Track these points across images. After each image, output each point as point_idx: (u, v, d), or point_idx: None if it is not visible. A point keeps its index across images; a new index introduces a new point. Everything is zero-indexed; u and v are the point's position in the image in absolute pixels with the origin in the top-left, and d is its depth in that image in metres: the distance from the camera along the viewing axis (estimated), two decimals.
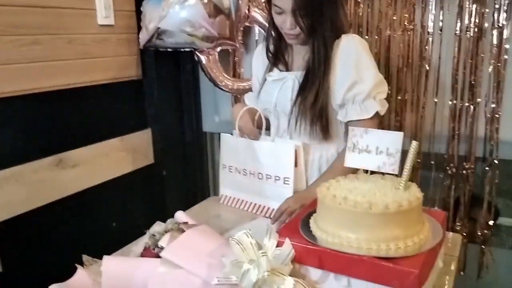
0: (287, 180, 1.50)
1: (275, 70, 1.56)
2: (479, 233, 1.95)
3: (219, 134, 2.73)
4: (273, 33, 1.53)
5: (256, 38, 2.19)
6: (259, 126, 1.62)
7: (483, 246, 1.97)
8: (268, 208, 1.55)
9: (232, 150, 1.62)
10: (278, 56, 1.56)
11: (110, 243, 1.32)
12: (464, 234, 1.96)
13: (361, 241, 0.95)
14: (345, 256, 0.94)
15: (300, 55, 1.51)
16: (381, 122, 1.59)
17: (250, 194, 1.59)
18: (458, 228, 1.96)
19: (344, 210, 0.97)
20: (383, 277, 0.91)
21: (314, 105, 1.42)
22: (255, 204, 1.59)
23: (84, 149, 1.87)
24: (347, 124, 1.44)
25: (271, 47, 1.56)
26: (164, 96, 2.28)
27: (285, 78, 1.51)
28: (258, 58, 1.65)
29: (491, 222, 1.93)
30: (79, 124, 1.87)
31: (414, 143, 1.04)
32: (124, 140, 2.06)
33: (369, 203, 0.95)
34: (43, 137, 1.73)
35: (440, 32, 1.81)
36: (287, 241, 0.97)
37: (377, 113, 1.41)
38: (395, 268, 0.90)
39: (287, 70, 1.55)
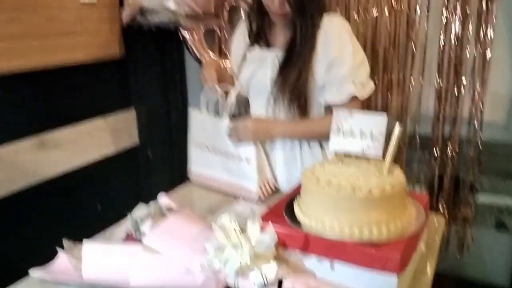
0: (249, 160, 1.48)
1: (256, 47, 1.54)
2: (461, 212, 1.98)
3: None
4: (255, 9, 1.49)
5: (243, 17, 2.15)
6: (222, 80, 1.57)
7: (464, 226, 2.00)
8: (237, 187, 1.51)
9: (200, 127, 1.57)
10: (260, 34, 1.53)
11: (95, 225, 1.30)
12: (446, 215, 1.99)
13: (344, 225, 0.95)
14: (328, 241, 0.94)
15: (282, 33, 1.48)
16: (367, 104, 1.58)
17: (219, 172, 1.55)
18: (441, 208, 1.98)
19: (327, 194, 0.96)
20: (366, 261, 0.91)
21: (295, 84, 1.39)
22: (225, 181, 1.55)
23: (66, 130, 1.84)
24: (327, 107, 1.42)
25: (253, 25, 1.53)
26: (149, 75, 2.24)
27: (265, 56, 1.49)
28: (239, 36, 1.62)
29: (472, 202, 1.96)
30: (61, 104, 1.83)
31: (397, 128, 1.03)
32: (108, 120, 2.02)
33: (353, 187, 0.95)
34: (24, 117, 1.69)
35: (427, 13, 1.79)
36: (270, 226, 0.97)
37: (356, 97, 1.38)
38: (377, 254, 0.90)
39: (268, 47, 1.52)
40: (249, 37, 1.55)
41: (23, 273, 1.04)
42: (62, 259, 1.09)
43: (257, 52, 1.52)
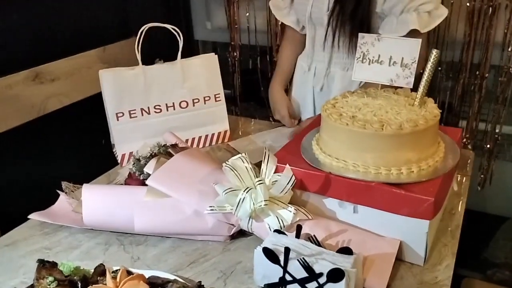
0: (218, 97, 1.34)
1: None
2: (486, 145, 1.87)
3: (212, 43, 2.56)
4: None
5: None
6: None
7: (489, 158, 1.90)
8: (207, 136, 1.37)
9: (122, 90, 1.25)
10: None
11: (100, 162, 1.22)
12: (469, 147, 1.88)
13: (369, 165, 0.85)
14: (351, 182, 0.84)
15: None
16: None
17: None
18: (464, 140, 1.87)
19: (351, 131, 0.85)
20: (394, 204, 0.82)
21: (355, 13, 1.20)
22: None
23: (63, 61, 1.71)
24: None
25: None
26: (149, 0, 2.06)
27: None
28: None
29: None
30: (57, 34, 1.69)
31: (435, 51, 0.89)
32: (106, 51, 1.88)
33: (381, 123, 0.84)
34: (17, 49, 1.55)
35: None
36: (287, 168, 0.86)
37: (417, 31, 1.16)
38: (407, 195, 0.80)
39: None
40: None
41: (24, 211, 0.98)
42: (61, 202, 1.01)
43: None
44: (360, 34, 0.97)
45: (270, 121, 1.63)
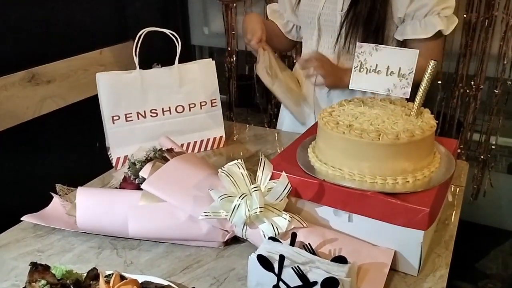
0: (215, 102, 1.34)
1: None
2: (480, 156, 1.88)
3: (209, 48, 2.56)
4: None
5: None
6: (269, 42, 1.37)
7: (481, 170, 1.91)
8: (202, 141, 1.36)
9: (118, 93, 1.23)
10: None
11: (95, 164, 1.21)
12: (463, 157, 1.89)
13: (365, 174, 0.85)
14: (347, 191, 0.84)
15: None
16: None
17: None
18: (459, 151, 1.88)
19: (348, 139, 0.85)
20: (389, 214, 0.82)
21: (370, 18, 1.19)
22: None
23: (59, 63, 1.70)
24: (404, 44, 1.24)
25: None
26: (147, 4, 2.06)
27: None
28: None
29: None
30: (54, 35, 1.68)
31: (432, 62, 0.90)
32: (103, 53, 1.87)
33: (378, 132, 0.84)
34: (13, 49, 1.55)
35: None
36: (283, 175, 0.86)
37: (439, 32, 1.20)
38: (403, 205, 0.80)
39: None
40: None
41: (17, 212, 0.97)
42: (55, 204, 1.00)
43: None
44: (358, 44, 0.97)
45: (265, 127, 1.63)
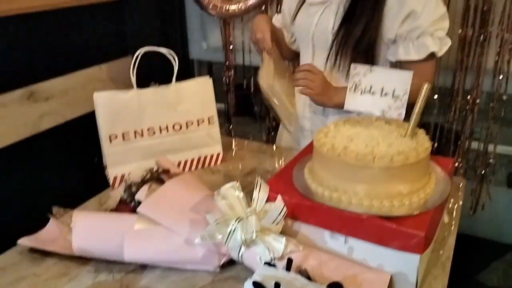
0: (212, 119, 1.34)
1: None
2: (480, 171, 1.88)
3: (207, 62, 2.58)
4: None
5: None
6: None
7: (479, 184, 1.91)
8: (199, 158, 1.37)
9: (116, 112, 1.24)
10: None
11: (93, 181, 1.21)
12: (461, 171, 1.89)
13: (361, 197, 0.85)
14: (343, 214, 0.85)
15: None
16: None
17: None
18: (456, 165, 1.89)
19: (343, 162, 0.85)
20: (385, 238, 0.82)
21: (361, 40, 1.19)
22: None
23: (58, 80, 1.70)
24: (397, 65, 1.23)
25: None
26: (147, 20, 2.07)
27: (329, 1, 1.28)
28: None
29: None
30: (53, 51, 1.69)
31: (425, 86, 0.91)
32: (103, 69, 1.88)
33: (372, 155, 0.84)
34: (11, 67, 1.55)
35: None
36: (279, 199, 0.86)
37: (432, 54, 1.19)
38: (399, 229, 0.80)
39: None
40: None
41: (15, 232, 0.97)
42: (51, 227, 1.00)
43: None
44: (352, 65, 0.98)
45: (262, 137, 1.64)
